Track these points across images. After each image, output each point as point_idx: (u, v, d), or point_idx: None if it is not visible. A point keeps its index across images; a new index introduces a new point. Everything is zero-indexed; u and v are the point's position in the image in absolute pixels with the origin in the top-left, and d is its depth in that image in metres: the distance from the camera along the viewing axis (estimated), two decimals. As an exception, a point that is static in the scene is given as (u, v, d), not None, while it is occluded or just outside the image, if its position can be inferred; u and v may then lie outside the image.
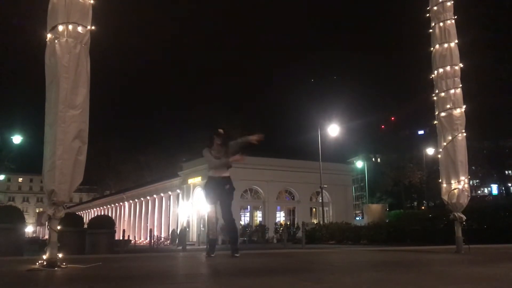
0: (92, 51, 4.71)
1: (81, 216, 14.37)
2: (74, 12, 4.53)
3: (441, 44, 7.11)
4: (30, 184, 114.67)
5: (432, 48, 7.27)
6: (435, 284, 3.31)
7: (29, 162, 56.10)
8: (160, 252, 14.48)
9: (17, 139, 35.65)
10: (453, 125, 6.84)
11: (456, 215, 6.68)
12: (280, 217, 42.62)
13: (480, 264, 5.00)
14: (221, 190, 6.27)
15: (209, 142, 6.44)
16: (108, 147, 68.45)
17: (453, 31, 7.15)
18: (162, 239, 41.83)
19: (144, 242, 44.37)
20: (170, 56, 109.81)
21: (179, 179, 47.78)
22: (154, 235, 35.32)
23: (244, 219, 40.88)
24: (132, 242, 40.76)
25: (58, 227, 4.34)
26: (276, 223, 38.28)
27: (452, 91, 6.95)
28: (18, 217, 10.22)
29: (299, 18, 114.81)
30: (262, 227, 36.44)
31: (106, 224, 12.63)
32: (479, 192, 68.84)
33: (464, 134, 6.88)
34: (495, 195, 62.72)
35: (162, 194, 52.19)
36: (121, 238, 25.99)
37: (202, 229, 39.81)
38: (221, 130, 6.39)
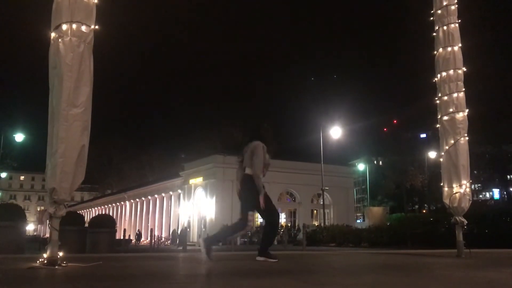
0: (96, 51, 4.73)
1: (82, 215, 14.40)
2: (78, 11, 4.54)
3: (444, 47, 7.10)
4: (31, 182, 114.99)
5: (435, 52, 7.26)
6: (435, 287, 3.31)
7: (31, 160, 56.41)
8: (160, 252, 14.49)
9: (19, 137, 35.79)
10: (456, 129, 6.82)
11: (457, 219, 6.67)
12: (281, 218, 42.60)
13: (480, 268, 4.98)
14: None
15: (261, 137, 5.53)
16: (110, 146, 68.69)
17: (457, 34, 7.14)
18: (163, 239, 41.86)
19: (145, 242, 44.44)
20: (173, 55, 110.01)
21: (181, 179, 47.82)
22: (154, 235, 35.38)
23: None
24: (132, 241, 40.82)
25: (59, 226, 4.35)
26: (276, 225, 38.20)
27: (455, 94, 6.94)
28: (20, 215, 10.25)
29: (302, 20, 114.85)
30: (263, 229, 36.42)
31: (107, 223, 12.66)
32: (480, 196, 68.72)
33: (467, 138, 6.86)
34: (496, 200, 62.66)
35: (163, 194, 52.23)
36: (121, 238, 26.03)
37: (203, 229, 39.85)
38: (267, 125, 5.60)
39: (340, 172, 44.40)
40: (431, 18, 7.42)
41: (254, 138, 5.58)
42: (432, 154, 42.52)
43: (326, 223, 33.54)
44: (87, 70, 4.56)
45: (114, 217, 44.24)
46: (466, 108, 6.95)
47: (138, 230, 49.04)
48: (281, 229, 35.43)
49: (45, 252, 4.27)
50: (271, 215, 5.52)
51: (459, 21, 7.20)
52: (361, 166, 65.51)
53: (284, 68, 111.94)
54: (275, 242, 34.46)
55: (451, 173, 6.79)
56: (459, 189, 6.67)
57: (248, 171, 5.46)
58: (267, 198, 5.43)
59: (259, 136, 5.58)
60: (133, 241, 40.99)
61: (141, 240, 44.68)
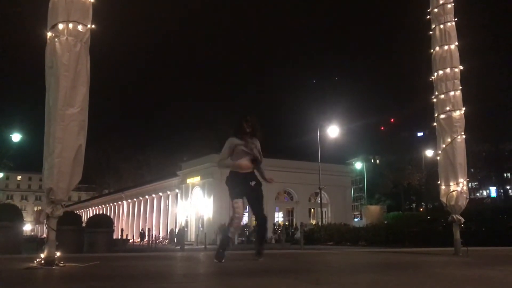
0: (92, 50, 4.72)
1: (79, 214, 14.38)
2: (75, 10, 4.53)
3: (441, 46, 7.12)
4: (28, 182, 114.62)
5: (432, 50, 7.28)
6: (433, 286, 3.31)
7: (28, 160, 56.24)
8: (158, 252, 14.47)
9: (16, 137, 35.60)
10: (453, 127, 6.84)
11: (455, 217, 6.69)
12: (279, 217, 42.62)
13: (478, 266, 5.00)
14: (247, 186, 5.51)
15: (236, 130, 5.62)
16: (108, 146, 68.57)
17: (453, 33, 7.16)
18: (161, 238, 41.76)
19: (143, 241, 44.35)
20: (170, 55, 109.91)
21: (178, 178, 47.77)
22: (152, 235, 35.36)
23: (243, 220, 40.88)
24: (130, 241, 40.74)
25: (56, 226, 4.34)
26: (274, 224, 38.32)
27: (451, 93, 6.96)
28: (17, 215, 10.23)
29: (300, 19, 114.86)
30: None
31: (104, 223, 12.64)
32: (477, 194, 68.82)
33: (463, 137, 6.88)
34: (493, 198, 62.74)
35: (160, 194, 52.16)
36: (119, 237, 26.01)
37: (201, 229, 39.82)
38: (249, 117, 5.63)
39: (338, 171, 44.44)
40: (428, 17, 7.43)
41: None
42: (429, 153, 42.55)
43: (324, 222, 33.54)
44: (83, 69, 4.55)
45: (112, 217, 44.16)
46: (463, 107, 6.97)
47: (142, 229, 48.33)
48: (279, 228, 35.57)
49: (43, 252, 4.26)
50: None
51: (456, 19, 7.22)
52: (358, 165, 65.52)
53: (281, 67, 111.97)
54: (273, 241, 34.48)
55: (448, 172, 6.80)
56: (456, 187, 6.68)
57: None
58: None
59: (234, 131, 5.70)
60: (137, 241, 40.63)
61: (145, 240, 43.55)
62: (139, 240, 41.13)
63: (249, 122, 5.60)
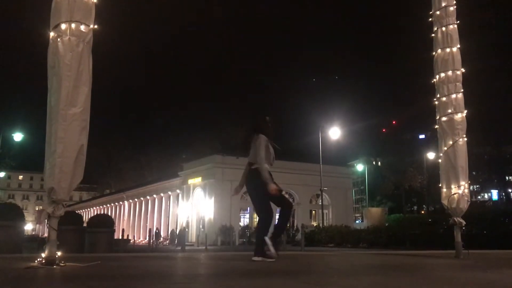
0: (95, 50, 4.72)
1: (80, 214, 14.39)
2: (77, 10, 4.54)
3: (443, 48, 7.11)
4: (30, 182, 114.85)
5: (434, 53, 7.27)
6: (434, 288, 3.31)
7: (30, 160, 56.39)
8: (159, 252, 14.48)
9: (18, 136, 35.73)
10: (454, 129, 6.83)
11: (456, 220, 6.67)
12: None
13: (479, 269, 4.99)
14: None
15: (264, 128, 5.58)
16: (109, 146, 68.74)
17: (456, 35, 7.15)
18: (161, 239, 41.74)
19: (143, 241, 44.32)
20: (172, 56, 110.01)
21: (179, 179, 47.79)
22: (153, 235, 35.31)
23: (244, 221, 40.92)
24: (131, 241, 40.75)
25: (57, 225, 4.34)
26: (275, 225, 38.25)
27: (453, 95, 6.95)
28: (18, 215, 10.24)
29: (302, 20, 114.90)
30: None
31: (105, 223, 12.64)
32: (479, 197, 68.73)
33: (465, 139, 6.87)
34: (495, 201, 62.64)
35: (162, 194, 52.20)
36: (120, 237, 26.03)
37: (202, 229, 39.81)
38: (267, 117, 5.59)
39: (339, 172, 44.42)
40: (430, 19, 7.42)
41: (256, 132, 5.64)
42: (430, 155, 42.48)
43: (325, 224, 33.53)
44: (86, 69, 4.56)
45: (113, 217, 44.16)
46: (465, 109, 6.96)
47: (157, 228, 46.15)
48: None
49: (43, 251, 4.26)
50: (261, 212, 5.60)
51: (458, 22, 7.21)
52: (360, 167, 65.50)
53: (283, 68, 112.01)
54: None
55: (450, 174, 6.79)
56: (458, 190, 6.67)
57: (255, 166, 5.49)
58: (267, 196, 5.43)
59: (260, 129, 5.63)
60: (147, 241, 40.03)
61: (159, 240, 40.05)
62: (153, 240, 38.81)
63: (267, 124, 5.64)
